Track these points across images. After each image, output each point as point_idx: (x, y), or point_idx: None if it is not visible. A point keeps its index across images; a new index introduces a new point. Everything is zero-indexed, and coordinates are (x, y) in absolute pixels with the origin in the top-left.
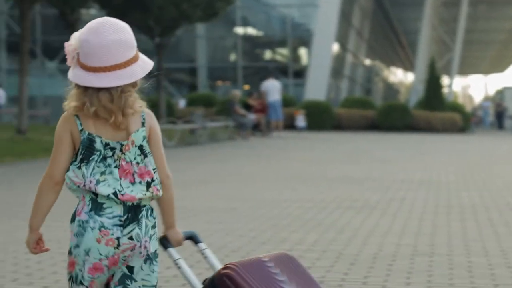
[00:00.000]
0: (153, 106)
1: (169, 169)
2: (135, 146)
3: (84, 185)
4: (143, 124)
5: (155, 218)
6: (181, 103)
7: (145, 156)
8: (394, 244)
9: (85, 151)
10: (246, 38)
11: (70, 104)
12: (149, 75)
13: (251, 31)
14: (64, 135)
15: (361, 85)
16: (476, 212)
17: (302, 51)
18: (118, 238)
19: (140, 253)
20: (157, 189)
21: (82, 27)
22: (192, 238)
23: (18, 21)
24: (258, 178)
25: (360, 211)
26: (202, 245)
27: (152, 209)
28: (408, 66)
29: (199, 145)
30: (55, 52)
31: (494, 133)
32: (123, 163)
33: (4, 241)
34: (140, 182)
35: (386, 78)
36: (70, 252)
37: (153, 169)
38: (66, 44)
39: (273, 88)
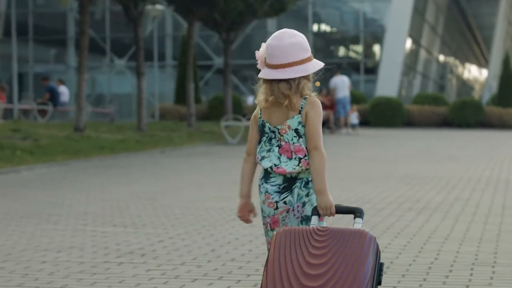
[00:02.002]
0: (220, 102)
1: (322, 146)
2: (291, 129)
3: (256, 160)
4: (299, 112)
5: (309, 188)
6: (249, 100)
7: (300, 137)
8: (453, 252)
9: (260, 133)
10: (318, 34)
11: (259, 97)
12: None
13: (323, 27)
14: (253, 120)
15: (434, 82)
16: None
17: (375, 47)
18: (276, 202)
19: (294, 215)
20: (307, 163)
21: (145, 22)
22: (354, 213)
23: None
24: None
25: (421, 212)
26: (357, 220)
27: (308, 182)
28: (483, 62)
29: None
30: (124, 49)
31: None
32: (283, 143)
33: (22, 248)
34: (295, 158)
35: (460, 75)
36: None
37: (306, 147)
38: (256, 52)
39: (342, 84)
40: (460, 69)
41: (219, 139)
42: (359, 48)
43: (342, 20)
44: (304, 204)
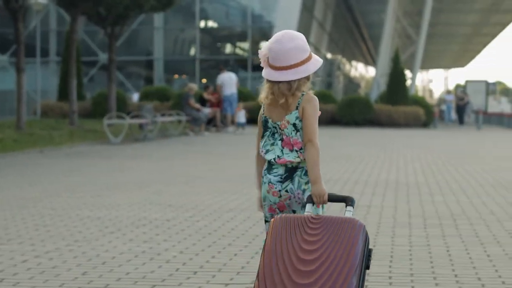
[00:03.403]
0: (104, 99)
1: (317, 139)
2: (290, 124)
3: (261, 153)
4: (296, 108)
5: (308, 177)
6: (135, 97)
7: (298, 131)
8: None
9: (264, 129)
10: (205, 30)
11: (261, 95)
12: None
13: (210, 23)
14: (260, 118)
15: (322, 79)
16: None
17: (263, 44)
18: (279, 191)
19: (296, 201)
20: (302, 155)
21: (29, 16)
22: (345, 201)
23: None
24: (205, 180)
25: None
26: (348, 208)
27: (307, 171)
28: (369, 60)
29: (148, 142)
30: (7, 44)
31: (457, 128)
32: (284, 137)
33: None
34: (295, 150)
35: (347, 72)
36: None
37: (302, 141)
38: (259, 51)
39: (229, 81)
40: (347, 66)
41: (102, 138)
42: (247, 44)
43: (230, 16)
44: (304, 191)
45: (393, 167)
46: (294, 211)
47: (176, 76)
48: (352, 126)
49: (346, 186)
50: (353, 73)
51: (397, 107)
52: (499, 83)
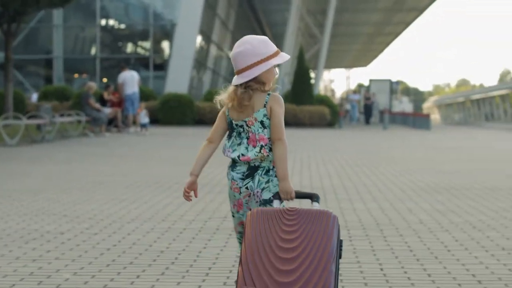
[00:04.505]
0: (1, 99)
1: (285, 137)
2: (257, 121)
3: (226, 153)
4: (264, 106)
5: (269, 176)
6: (33, 97)
7: (265, 128)
8: None
9: (230, 130)
10: (106, 28)
11: (220, 96)
12: None
13: (111, 21)
14: (222, 113)
15: (225, 78)
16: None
17: (165, 42)
18: (240, 187)
19: (255, 199)
20: (266, 151)
21: None
22: (311, 198)
23: None
24: (104, 185)
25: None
26: (315, 204)
27: (268, 170)
28: None
29: (46, 143)
30: None
31: (363, 127)
32: (250, 134)
33: None
34: (258, 146)
35: None
36: None
37: (268, 137)
38: None
39: (131, 79)
40: None
41: None
42: (148, 43)
43: (131, 15)
44: (263, 189)
45: (305, 169)
46: (250, 210)
47: (76, 75)
48: None
49: None
50: None
51: (302, 107)
52: (401, 82)
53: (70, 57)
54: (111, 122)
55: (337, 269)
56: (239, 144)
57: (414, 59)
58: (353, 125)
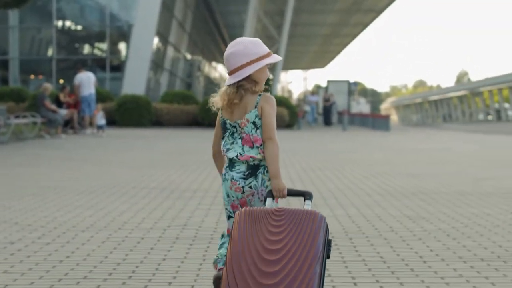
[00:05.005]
0: None
1: (276, 136)
2: (250, 122)
3: (222, 153)
4: (255, 107)
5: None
6: None
7: (257, 128)
8: None
9: (223, 130)
10: (63, 30)
11: (214, 98)
12: None
13: (68, 23)
14: (218, 120)
15: (182, 80)
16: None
17: (121, 43)
18: (242, 187)
19: (259, 198)
20: (262, 151)
21: None
22: (304, 195)
23: None
24: (58, 191)
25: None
26: (307, 202)
27: None
28: None
29: (0, 145)
30: None
31: (323, 129)
32: (244, 135)
33: None
34: (256, 147)
35: (207, 73)
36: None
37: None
38: None
39: (87, 80)
40: (207, 67)
41: None
42: (105, 44)
43: (88, 16)
44: (267, 187)
45: None
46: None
47: (32, 76)
48: (214, 128)
49: (218, 198)
50: (213, 74)
51: None
52: (358, 83)
53: (26, 58)
54: (67, 124)
55: (323, 269)
56: (232, 143)
57: (371, 61)
58: (312, 126)
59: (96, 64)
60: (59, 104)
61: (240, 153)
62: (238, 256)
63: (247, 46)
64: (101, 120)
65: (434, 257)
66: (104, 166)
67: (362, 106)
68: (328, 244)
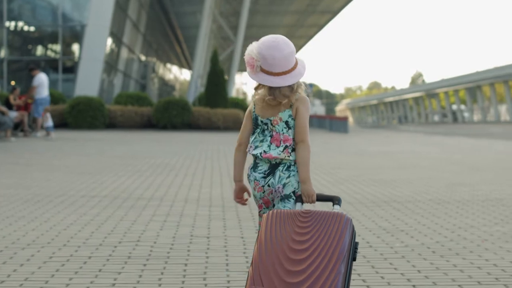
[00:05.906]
0: None
1: (309, 140)
2: (282, 121)
3: (249, 150)
4: (290, 106)
5: (290, 171)
6: None
7: (289, 128)
8: None
9: (254, 126)
10: (15, 31)
11: (255, 96)
12: None
13: (20, 23)
14: (248, 113)
15: (136, 81)
16: None
17: (74, 44)
18: (262, 186)
19: (277, 195)
20: (289, 152)
21: None
22: (332, 200)
23: None
24: (3, 199)
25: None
26: (336, 207)
27: (290, 166)
28: (184, 62)
29: None
30: None
31: None
32: (274, 133)
33: None
34: (283, 146)
35: (161, 74)
36: None
37: (293, 138)
38: (248, 58)
39: (46, 82)
40: (162, 68)
41: None
42: (58, 45)
43: (40, 16)
44: (284, 185)
45: (225, 180)
46: (274, 205)
47: None
48: (169, 130)
49: (175, 207)
50: (168, 75)
51: (216, 110)
52: (313, 85)
53: None
54: (17, 127)
55: (349, 270)
56: (262, 141)
57: (325, 62)
58: None
59: (49, 66)
60: (9, 106)
61: (264, 151)
62: (264, 255)
63: (288, 44)
64: (49, 121)
65: (424, 280)
66: (52, 172)
67: (317, 108)
68: (354, 246)
